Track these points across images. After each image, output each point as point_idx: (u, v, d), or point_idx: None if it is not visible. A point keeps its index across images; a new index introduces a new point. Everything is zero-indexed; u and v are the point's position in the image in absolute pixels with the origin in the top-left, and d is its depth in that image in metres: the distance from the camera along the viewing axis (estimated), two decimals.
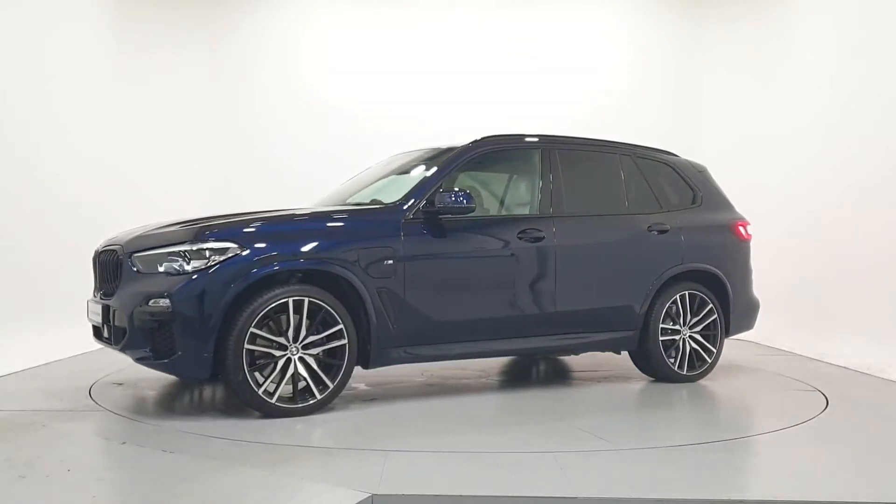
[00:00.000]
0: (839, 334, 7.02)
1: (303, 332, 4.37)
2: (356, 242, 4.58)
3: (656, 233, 5.59)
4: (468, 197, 4.76)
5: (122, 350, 4.40)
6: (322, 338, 4.44)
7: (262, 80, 9.36)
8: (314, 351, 4.42)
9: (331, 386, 4.45)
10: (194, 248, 4.25)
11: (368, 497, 3.03)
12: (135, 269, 4.39)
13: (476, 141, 5.30)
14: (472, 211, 4.82)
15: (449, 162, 5.10)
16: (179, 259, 4.25)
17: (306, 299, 4.36)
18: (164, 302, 4.16)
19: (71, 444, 3.81)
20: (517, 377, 6.03)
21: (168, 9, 9.08)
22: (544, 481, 3.29)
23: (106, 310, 4.55)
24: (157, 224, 4.79)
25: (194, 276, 4.19)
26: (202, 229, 4.38)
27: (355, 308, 4.56)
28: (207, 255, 4.23)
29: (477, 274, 4.99)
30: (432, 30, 9.43)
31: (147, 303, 4.21)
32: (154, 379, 5.42)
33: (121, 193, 8.37)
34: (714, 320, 5.72)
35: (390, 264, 4.62)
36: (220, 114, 9.31)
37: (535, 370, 6.35)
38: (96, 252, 4.94)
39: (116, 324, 4.43)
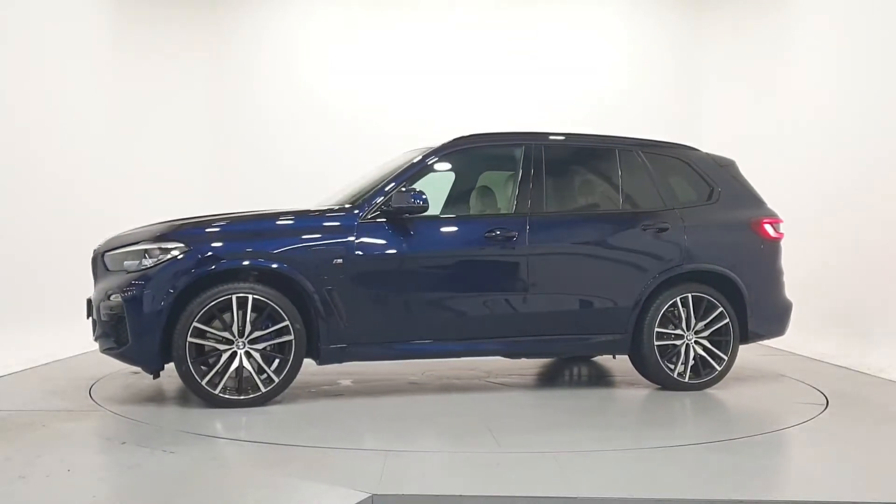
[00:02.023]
0: (839, 334, 7.02)
1: (248, 328, 4.55)
2: (304, 242, 4.76)
3: (654, 231, 5.32)
4: (421, 197, 4.80)
5: (95, 340, 4.83)
6: (269, 333, 4.61)
7: (262, 81, 9.34)
8: (260, 346, 4.59)
9: (276, 380, 4.60)
10: (149, 247, 4.60)
11: (368, 497, 3.04)
12: (106, 266, 4.77)
13: (449, 142, 5.29)
14: (426, 210, 4.85)
15: (418, 163, 5.12)
16: (138, 258, 4.59)
17: (250, 296, 4.54)
18: (119, 297, 4.52)
19: (71, 444, 3.81)
20: (522, 378, 6.02)
21: (168, 9, 9.07)
22: (544, 481, 3.29)
23: (88, 304, 4.92)
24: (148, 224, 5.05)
25: (145, 274, 4.52)
26: (158, 230, 4.72)
27: (306, 305, 4.69)
28: (158, 255, 4.55)
29: (435, 274, 4.99)
30: (432, 30, 9.42)
31: (108, 298, 4.62)
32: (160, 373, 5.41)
33: (121, 193, 8.37)
34: (725, 325, 5.35)
35: (340, 263, 4.72)
36: (220, 114, 9.30)
37: (546, 372, 6.34)
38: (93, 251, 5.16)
39: (94, 317, 4.82)
